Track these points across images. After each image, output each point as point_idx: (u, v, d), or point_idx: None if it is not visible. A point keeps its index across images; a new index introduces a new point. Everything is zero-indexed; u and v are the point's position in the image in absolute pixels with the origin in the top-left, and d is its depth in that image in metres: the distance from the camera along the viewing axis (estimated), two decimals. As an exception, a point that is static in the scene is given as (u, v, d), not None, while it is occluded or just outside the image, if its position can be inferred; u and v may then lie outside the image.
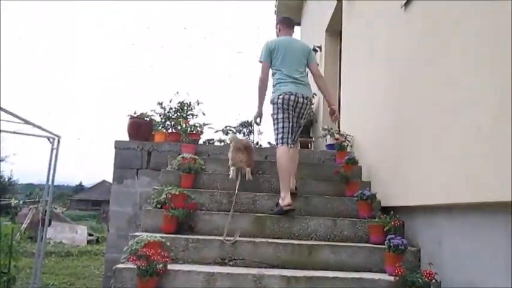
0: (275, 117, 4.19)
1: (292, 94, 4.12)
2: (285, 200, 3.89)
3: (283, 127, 4.13)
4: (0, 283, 7.22)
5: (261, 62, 4.31)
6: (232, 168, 4.32)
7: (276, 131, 4.18)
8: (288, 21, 4.62)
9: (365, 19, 5.20)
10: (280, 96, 4.13)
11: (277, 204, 3.98)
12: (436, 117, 3.07)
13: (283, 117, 4.14)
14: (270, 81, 4.31)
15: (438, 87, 3.06)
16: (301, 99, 4.16)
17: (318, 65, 4.72)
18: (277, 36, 4.56)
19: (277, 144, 4.18)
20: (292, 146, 4.20)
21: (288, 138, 4.14)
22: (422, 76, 3.37)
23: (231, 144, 4.57)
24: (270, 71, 4.32)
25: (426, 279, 2.89)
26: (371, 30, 4.90)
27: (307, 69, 4.43)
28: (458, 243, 2.87)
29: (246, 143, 4.57)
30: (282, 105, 4.13)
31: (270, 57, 4.28)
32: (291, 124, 4.16)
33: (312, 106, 7.00)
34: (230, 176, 4.30)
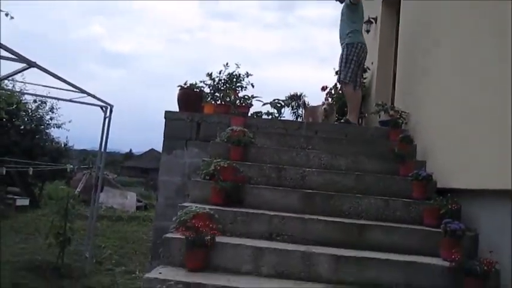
0: (350, 57, 5.79)
1: (365, 44, 5.94)
2: (350, 117, 5.89)
3: (354, 68, 5.83)
4: (57, 243, 7.66)
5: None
6: None
7: (349, 70, 5.80)
8: None
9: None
10: (358, 43, 5.84)
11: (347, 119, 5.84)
12: (502, 104, 2.82)
13: (356, 60, 5.85)
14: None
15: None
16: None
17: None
18: None
19: (347, 80, 5.80)
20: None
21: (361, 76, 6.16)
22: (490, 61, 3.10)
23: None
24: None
25: (485, 267, 2.73)
26: (434, 4, 4.58)
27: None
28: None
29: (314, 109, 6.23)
30: (358, 51, 5.84)
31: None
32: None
33: (364, 81, 6.77)
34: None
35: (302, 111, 6.83)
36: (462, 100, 3.62)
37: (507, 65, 2.83)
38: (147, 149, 50.78)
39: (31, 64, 5.38)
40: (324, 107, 5.88)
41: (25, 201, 16.06)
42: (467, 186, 3.38)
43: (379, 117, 5.45)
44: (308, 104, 6.53)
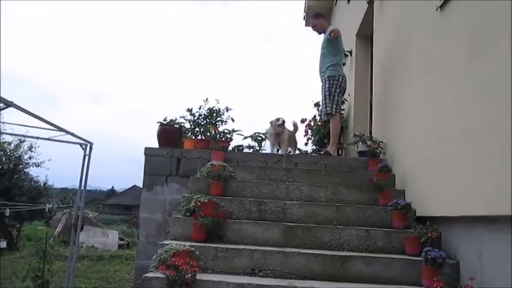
0: (333, 90, 5.93)
1: (345, 76, 6.14)
2: (330, 149, 5.89)
3: (338, 100, 5.99)
4: (35, 286, 7.38)
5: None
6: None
7: (334, 101, 5.94)
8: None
9: (397, 22, 5.06)
10: (340, 76, 6.00)
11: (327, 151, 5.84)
12: (476, 126, 2.91)
13: (339, 92, 6.00)
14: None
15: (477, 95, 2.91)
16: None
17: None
18: (324, 26, 6.35)
19: (334, 111, 5.92)
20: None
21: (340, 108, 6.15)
22: (460, 82, 3.22)
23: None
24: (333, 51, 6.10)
25: (467, 294, 2.74)
26: (405, 34, 4.76)
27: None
28: (501, 257, 2.70)
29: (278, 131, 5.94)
30: (340, 83, 5.99)
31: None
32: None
33: (343, 112, 6.90)
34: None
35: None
36: (435, 128, 3.72)
37: (478, 91, 2.94)
38: (130, 186, 50.14)
39: (8, 104, 5.34)
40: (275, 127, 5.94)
41: (2, 244, 15.55)
42: (445, 214, 3.42)
43: (357, 147, 5.53)
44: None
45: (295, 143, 6.48)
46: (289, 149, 6.19)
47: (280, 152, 5.95)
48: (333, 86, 5.94)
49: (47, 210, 17.77)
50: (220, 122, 6.28)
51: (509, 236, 2.62)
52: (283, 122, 5.94)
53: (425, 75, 4.02)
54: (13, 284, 9.73)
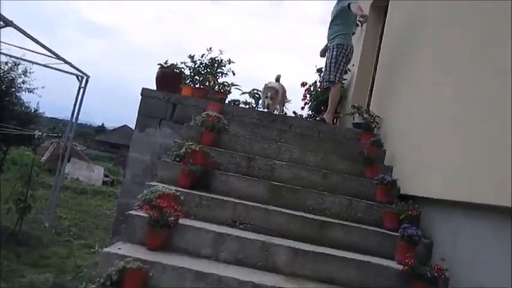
0: (340, 58, 5.83)
1: (352, 46, 6.01)
2: (326, 116, 5.88)
3: (342, 69, 5.95)
4: (17, 209, 7.49)
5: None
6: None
7: (338, 70, 5.87)
8: None
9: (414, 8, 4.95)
10: (348, 45, 5.90)
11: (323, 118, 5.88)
12: (471, 115, 2.93)
13: (345, 61, 5.95)
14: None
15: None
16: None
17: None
18: None
19: (337, 80, 5.88)
20: None
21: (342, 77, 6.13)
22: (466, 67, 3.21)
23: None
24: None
25: (435, 273, 2.84)
26: (421, 9, 4.67)
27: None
28: (476, 243, 2.79)
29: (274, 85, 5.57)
30: (347, 53, 5.89)
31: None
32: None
33: (344, 82, 6.85)
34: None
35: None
36: (428, 112, 3.74)
37: (479, 80, 2.94)
38: (120, 125, 50.06)
39: (7, 23, 5.23)
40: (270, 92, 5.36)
41: (-13, 165, 15.61)
42: (426, 195, 3.49)
43: (353, 119, 5.54)
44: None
45: (284, 102, 6.22)
46: (278, 106, 5.94)
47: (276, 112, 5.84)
48: (340, 54, 5.88)
49: (36, 137, 17.75)
50: (220, 74, 6.21)
51: (487, 223, 2.70)
52: (275, 93, 5.42)
53: (434, 55, 3.99)
54: (-5, 204, 9.85)
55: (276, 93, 5.37)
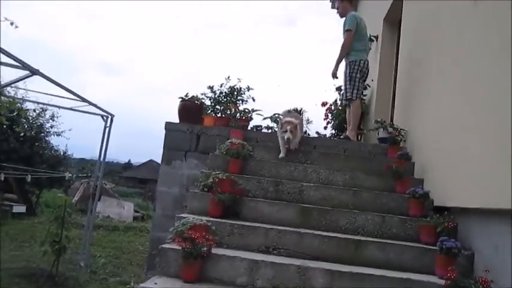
0: (354, 75, 5.80)
1: (367, 61, 5.95)
2: (350, 134, 5.82)
3: (359, 85, 5.88)
4: (52, 251, 7.62)
5: (349, 30, 5.77)
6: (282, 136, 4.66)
7: (355, 87, 5.82)
8: None
9: (428, 9, 4.94)
10: (361, 61, 5.84)
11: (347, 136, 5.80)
12: (500, 122, 2.86)
13: (360, 77, 5.84)
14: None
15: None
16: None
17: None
18: (346, 10, 6.01)
19: (354, 97, 5.84)
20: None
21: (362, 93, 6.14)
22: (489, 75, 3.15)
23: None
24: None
25: (480, 286, 2.73)
26: (435, 22, 4.65)
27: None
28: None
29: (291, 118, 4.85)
30: (361, 68, 5.83)
31: (356, 27, 5.78)
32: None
33: (364, 98, 6.83)
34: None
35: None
36: (459, 119, 3.66)
37: (506, 86, 2.88)
38: (146, 160, 50.74)
39: (34, 72, 5.43)
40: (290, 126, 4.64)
41: (22, 209, 15.99)
42: (463, 205, 3.39)
43: (378, 134, 5.49)
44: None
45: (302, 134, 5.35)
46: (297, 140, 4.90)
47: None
48: (354, 71, 5.85)
49: (66, 178, 18.13)
50: (240, 101, 6.30)
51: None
52: (294, 127, 4.69)
53: (454, 66, 3.94)
54: (31, 247, 10.05)
55: (295, 127, 4.67)
